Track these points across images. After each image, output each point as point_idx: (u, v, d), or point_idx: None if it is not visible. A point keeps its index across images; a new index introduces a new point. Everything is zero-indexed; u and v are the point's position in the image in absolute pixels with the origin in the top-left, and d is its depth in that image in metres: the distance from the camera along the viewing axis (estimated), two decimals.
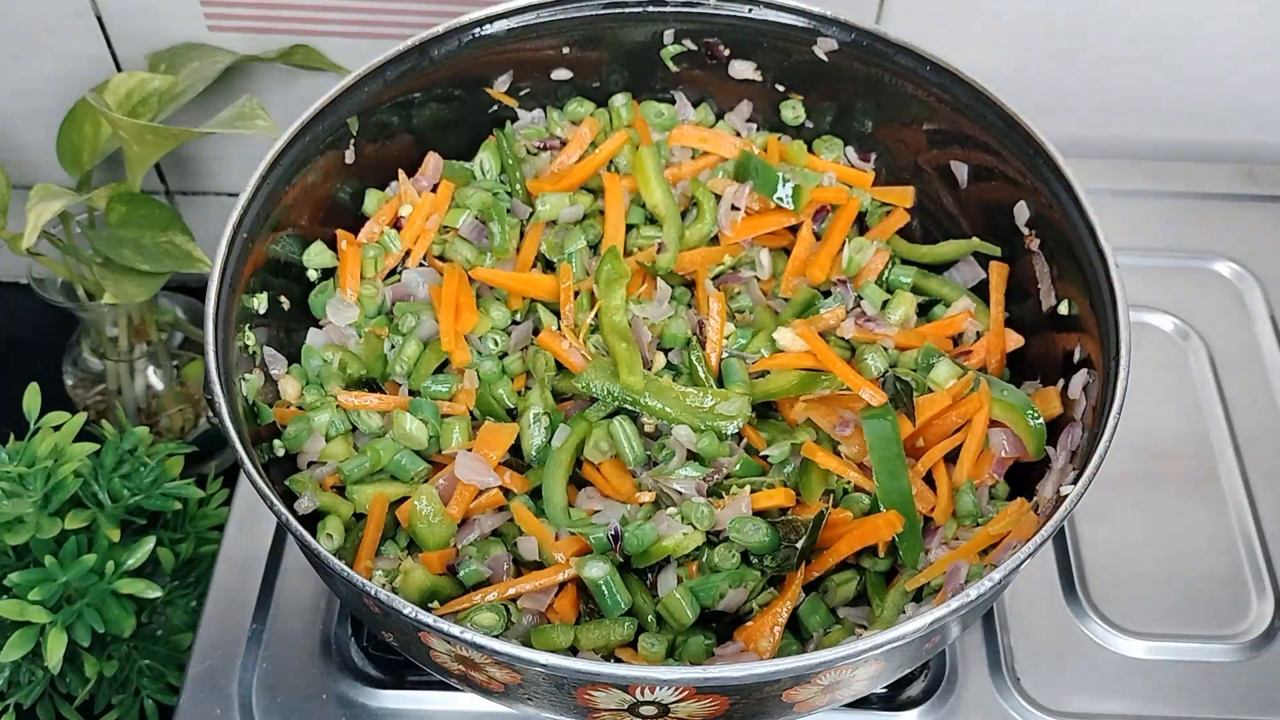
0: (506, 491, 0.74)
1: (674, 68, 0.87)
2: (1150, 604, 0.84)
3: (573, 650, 0.68)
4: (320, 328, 0.81)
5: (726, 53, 0.85)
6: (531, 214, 0.85)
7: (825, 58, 0.82)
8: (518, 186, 0.85)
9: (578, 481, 0.75)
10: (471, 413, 0.77)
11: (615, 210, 0.83)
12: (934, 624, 0.58)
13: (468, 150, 0.87)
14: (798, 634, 0.70)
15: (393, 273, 0.83)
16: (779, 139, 0.88)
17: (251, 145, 0.81)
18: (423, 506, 0.71)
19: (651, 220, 0.85)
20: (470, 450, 0.74)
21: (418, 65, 0.80)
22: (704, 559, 0.70)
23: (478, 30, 0.81)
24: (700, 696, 0.61)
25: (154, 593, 0.87)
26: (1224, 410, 0.94)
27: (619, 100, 0.87)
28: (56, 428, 0.91)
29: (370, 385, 0.78)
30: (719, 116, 0.90)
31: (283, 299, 0.79)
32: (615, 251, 0.80)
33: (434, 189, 0.85)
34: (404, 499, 0.73)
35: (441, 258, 0.84)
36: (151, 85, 0.95)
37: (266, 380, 0.77)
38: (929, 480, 0.74)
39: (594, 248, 0.83)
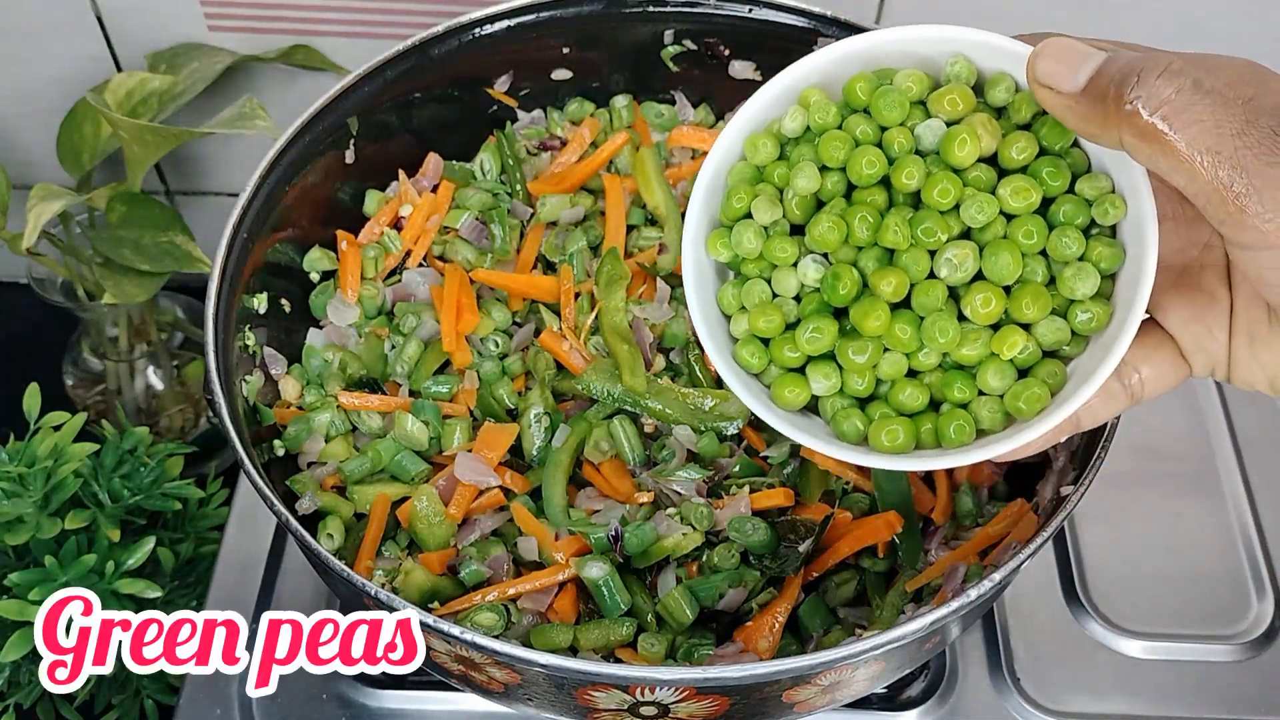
0: (507, 491, 0.74)
1: (674, 68, 0.87)
2: (1150, 604, 0.85)
3: (572, 650, 0.68)
4: (320, 328, 0.82)
5: (727, 53, 0.85)
6: (532, 215, 0.85)
7: None
8: (518, 187, 0.86)
9: (578, 481, 0.75)
10: (472, 413, 0.77)
11: (616, 211, 0.83)
12: (934, 624, 0.58)
13: (468, 150, 0.87)
14: (797, 634, 0.70)
15: (393, 273, 0.83)
16: None
17: (251, 145, 0.81)
18: (423, 507, 0.71)
19: (652, 221, 0.85)
20: (470, 451, 0.74)
21: (418, 65, 0.80)
22: (704, 559, 0.70)
23: (478, 30, 0.81)
24: (700, 697, 0.61)
25: (154, 593, 0.87)
26: (1224, 410, 0.94)
27: (619, 101, 0.87)
28: (56, 428, 0.91)
29: (371, 385, 0.78)
30: (719, 116, 0.90)
31: (283, 300, 0.79)
32: (616, 253, 0.80)
33: (434, 189, 0.85)
34: (404, 499, 0.73)
35: (442, 258, 0.84)
36: (151, 85, 0.95)
37: (267, 380, 0.77)
38: (928, 481, 0.74)
39: (595, 249, 0.83)
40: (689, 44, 0.85)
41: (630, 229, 0.84)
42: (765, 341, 0.56)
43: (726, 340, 0.57)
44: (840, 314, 0.54)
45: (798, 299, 0.55)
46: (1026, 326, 0.52)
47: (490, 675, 0.63)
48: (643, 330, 0.77)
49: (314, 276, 0.82)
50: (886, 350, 0.53)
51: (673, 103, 0.89)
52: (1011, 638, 0.83)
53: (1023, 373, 0.53)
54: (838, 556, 0.71)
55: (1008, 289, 0.52)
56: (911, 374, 0.54)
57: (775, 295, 0.55)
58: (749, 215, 0.55)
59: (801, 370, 0.55)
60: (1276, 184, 0.42)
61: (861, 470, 0.74)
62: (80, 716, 0.95)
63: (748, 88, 0.87)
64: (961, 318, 0.52)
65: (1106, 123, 0.46)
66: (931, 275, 0.52)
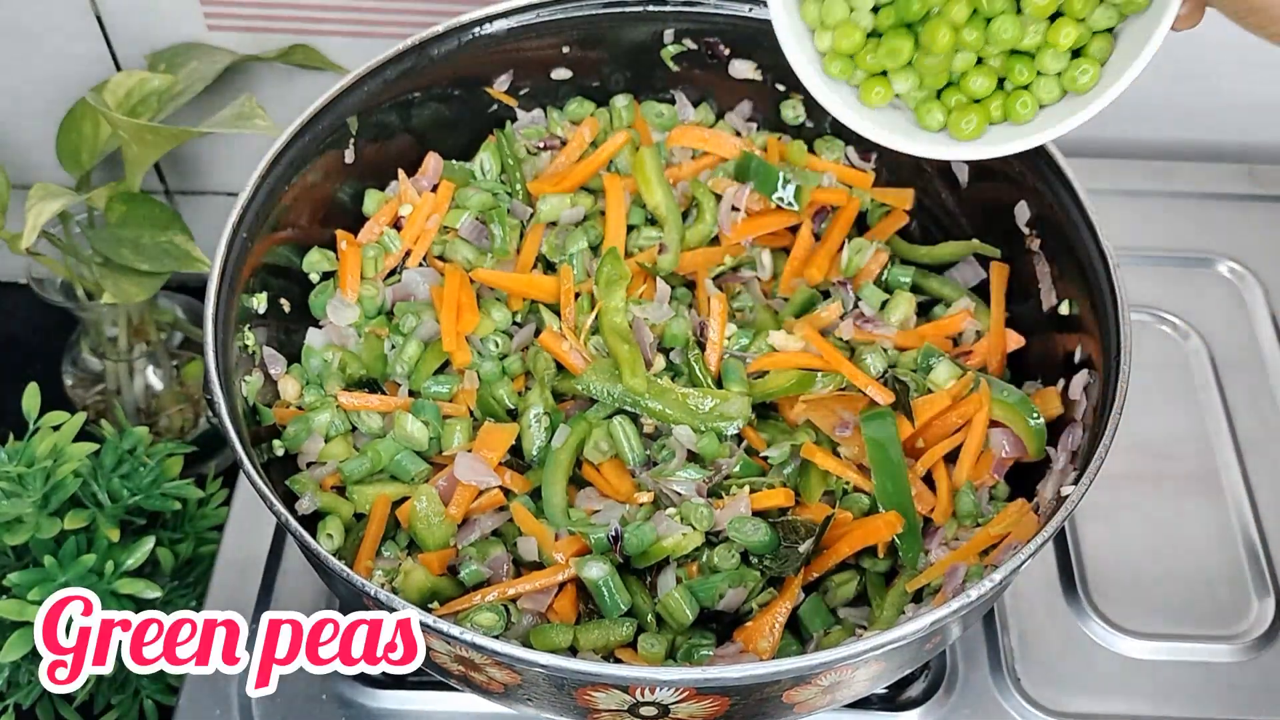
0: (506, 492, 0.73)
1: (674, 67, 0.87)
2: (1150, 604, 0.84)
3: (572, 651, 0.68)
4: (320, 328, 0.81)
5: (727, 52, 0.85)
6: (532, 215, 0.85)
7: None
8: (518, 187, 0.85)
9: (578, 482, 0.74)
10: (472, 413, 0.77)
11: (616, 211, 0.83)
12: (934, 625, 0.58)
13: (468, 150, 0.87)
14: (798, 634, 0.70)
15: (393, 273, 0.83)
16: (779, 139, 0.88)
17: (251, 145, 0.81)
18: (423, 507, 0.71)
19: (652, 221, 0.85)
20: (470, 450, 0.74)
21: (417, 65, 0.80)
22: (704, 559, 0.70)
23: (478, 30, 0.81)
24: (700, 697, 0.61)
25: (153, 593, 0.87)
26: (1224, 410, 0.94)
27: (619, 100, 0.87)
28: (56, 428, 0.91)
29: (370, 385, 0.78)
30: (719, 116, 0.90)
31: (282, 299, 0.79)
32: (616, 253, 0.80)
33: (434, 189, 0.85)
34: (404, 499, 0.73)
35: (442, 258, 0.84)
36: (151, 85, 0.95)
37: (266, 380, 0.77)
38: (929, 481, 0.74)
39: (595, 249, 0.83)
40: (689, 43, 0.85)
41: (630, 229, 0.84)
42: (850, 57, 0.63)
43: (814, 56, 0.64)
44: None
45: (875, 10, 0.62)
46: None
47: (490, 675, 0.63)
48: (643, 330, 0.77)
49: (314, 277, 0.82)
50: (958, 51, 0.61)
51: (673, 102, 0.89)
52: (1012, 638, 0.83)
53: (1075, 53, 0.61)
54: (838, 556, 0.71)
55: None
56: (979, 62, 0.62)
57: (852, 10, 0.62)
58: None
59: (884, 73, 0.63)
60: None
61: (862, 470, 0.73)
62: (80, 716, 0.95)
63: (748, 87, 0.87)
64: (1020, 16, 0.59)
65: None
66: None
